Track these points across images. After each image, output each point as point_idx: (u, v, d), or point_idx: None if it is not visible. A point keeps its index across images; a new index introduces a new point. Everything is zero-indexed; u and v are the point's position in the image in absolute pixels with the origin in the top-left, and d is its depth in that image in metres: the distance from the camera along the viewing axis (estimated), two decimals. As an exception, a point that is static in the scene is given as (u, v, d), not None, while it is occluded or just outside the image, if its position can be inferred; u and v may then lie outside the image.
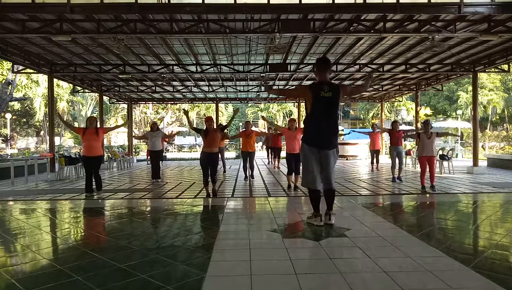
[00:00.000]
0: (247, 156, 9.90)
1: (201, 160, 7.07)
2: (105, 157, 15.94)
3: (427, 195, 7.39)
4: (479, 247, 3.97)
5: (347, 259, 3.40)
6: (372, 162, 12.51)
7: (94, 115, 34.59)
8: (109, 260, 3.37)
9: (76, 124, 33.24)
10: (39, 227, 4.92)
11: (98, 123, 9.74)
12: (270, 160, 15.41)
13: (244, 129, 10.18)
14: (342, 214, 5.48)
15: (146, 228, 4.90)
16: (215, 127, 7.45)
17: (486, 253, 3.58)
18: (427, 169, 7.64)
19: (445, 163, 11.55)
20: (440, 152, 12.04)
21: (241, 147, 10.55)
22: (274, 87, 17.15)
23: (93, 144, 7.31)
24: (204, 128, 7.13)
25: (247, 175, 9.88)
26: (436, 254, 3.49)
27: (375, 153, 12.42)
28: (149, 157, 14.87)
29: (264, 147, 19.50)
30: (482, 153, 18.89)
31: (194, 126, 7.17)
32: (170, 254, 3.56)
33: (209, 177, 7.02)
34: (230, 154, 24.14)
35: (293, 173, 7.89)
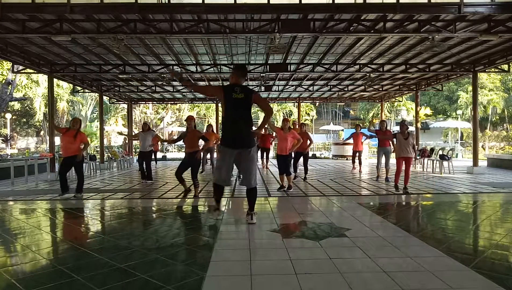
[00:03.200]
0: None
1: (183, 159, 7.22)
2: (105, 157, 15.98)
3: (427, 195, 7.40)
4: (479, 247, 3.97)
5: (347, 259, 3.39)
6: (353, 162, 12.48)
7: (94, 115, 34.64)
8: (109, 260, 3.37)
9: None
10: (39, 227, 4.91)
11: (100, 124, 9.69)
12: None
13: None
14: (342, 214, 5.49)
15: (146, 228, 4.90)
16: (199, 127, 7.46)
17: (486, 253, 3.58)
18: (403, 169, 7.61)
19: (445, 163, 11.54)
20: (440, 152, 12.05)
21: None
22: (274, 88, 17.17)
23: (69, 145, 7.22)
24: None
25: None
26: (436, 254, 3.49)
27: (357, 153, 12.28)
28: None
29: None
30: (482, 153, 18.89)
31: (176, 138, 7.37)
32: (170, 254, 3.56)
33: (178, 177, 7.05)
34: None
35: (284, 174, 7.86)
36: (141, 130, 10.41)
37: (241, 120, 4.53)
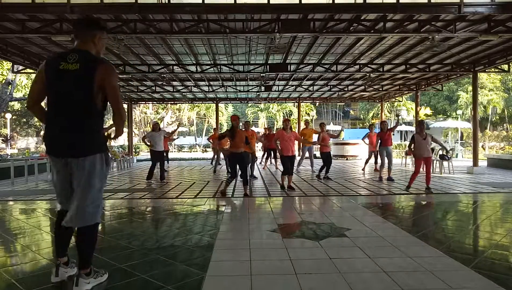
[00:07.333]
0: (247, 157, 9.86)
1: (230, 160, 7.38)
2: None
3: (427, 195, 7.39)
4: (479, 247, 3.97)
5: (347, 259, 3.39)
6: (366, 162, 12.39)
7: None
8: (109, 260, 3.37)
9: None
10: (39, 227, 4.91)
11: None
12: (262, 160, 14.05)
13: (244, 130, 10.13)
14: (342, 214, 5.48)
15: (146, 228, 4.90)
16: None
17: (486, 253, 3.58)
18: (420, 170, 7.65)
19: (445, 163, 11.55)
20: (440, 152, 12.04)
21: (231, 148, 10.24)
22: (274, 88, 17.16)
23: None
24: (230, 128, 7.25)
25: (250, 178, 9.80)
26: (436, 254, 3.49)
27: (373, 153, 12.22)
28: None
29: (262, 147, 18.32)
30: (482, 153, 18.89)
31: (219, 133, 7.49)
32: (170, 254, 3.56)
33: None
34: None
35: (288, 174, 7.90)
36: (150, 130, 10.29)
37: (66, 107, 2.57)
